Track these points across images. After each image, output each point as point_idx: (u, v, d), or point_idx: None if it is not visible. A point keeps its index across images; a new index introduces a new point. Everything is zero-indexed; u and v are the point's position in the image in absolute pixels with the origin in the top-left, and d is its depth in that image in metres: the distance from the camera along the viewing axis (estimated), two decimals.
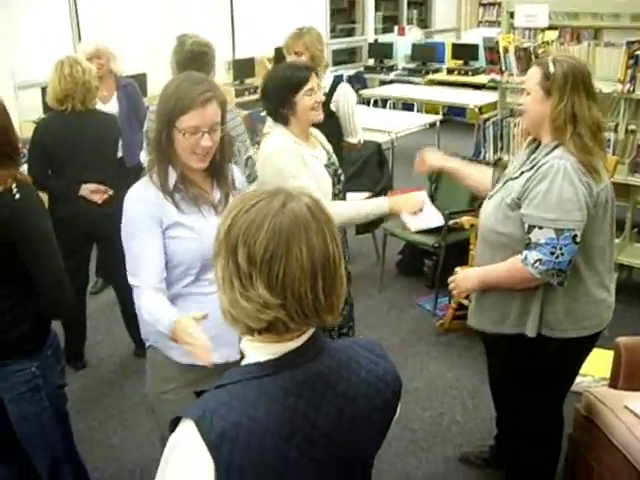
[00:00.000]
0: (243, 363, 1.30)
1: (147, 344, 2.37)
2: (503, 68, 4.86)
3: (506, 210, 2.48)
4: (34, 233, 2.23)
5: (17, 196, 2.19)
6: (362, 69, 10.49)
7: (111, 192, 3.82)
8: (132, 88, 4.73)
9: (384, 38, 10.98)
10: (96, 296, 5.06)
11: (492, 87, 5.69)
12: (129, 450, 3.54)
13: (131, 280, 2.18)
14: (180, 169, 2.17)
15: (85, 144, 3.80)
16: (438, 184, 5.17)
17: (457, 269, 2.76)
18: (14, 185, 2.20)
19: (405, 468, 3.31)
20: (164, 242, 2.16)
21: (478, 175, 2.91)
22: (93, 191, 3.80)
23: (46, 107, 4.51)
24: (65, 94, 3.76)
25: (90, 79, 3.82)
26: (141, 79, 6.57)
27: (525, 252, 2.42)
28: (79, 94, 3.77)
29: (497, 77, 5.03)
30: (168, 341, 2.08)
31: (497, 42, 4.92)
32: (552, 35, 5.05)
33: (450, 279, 2.72)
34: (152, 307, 2.10)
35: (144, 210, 2.15)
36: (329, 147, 3.13)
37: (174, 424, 1.23)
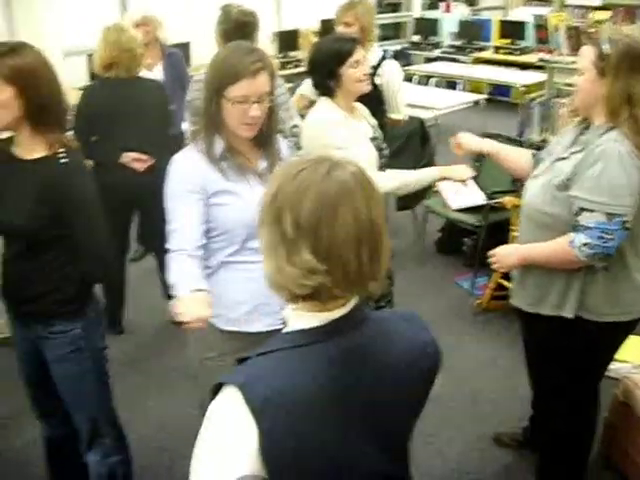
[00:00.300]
0: (285, 330, 1.31)
1: None
2: (552, 47, 4.77)
3: (554, 191, 2.44)
4: (79, 197, 2.25)
5: (63, 160, 2.22)
6: (407, 45, 10.37)
7: (152, 161, 3.85)
8: (177, 57, 4.75)
9: (430, 14, 10.82)
10: (137, 263, 5.12)
11: (539, 66, 5.62)
12: (165, 415, 3.60)
13: (167, 244, 2.22)
14: (227, 138, 2.19)
15: (129, 112, 3.83)
16: (481, 163, 5.11)
17: (493, 250, 2.74)
18: (61, 150, 2.23)
19: (437, 445, 3.32)
20: (209, 209, 2.19)
21: (515, 157, 2.87)
22: (134, 159, 3.83)
23: (92, 74, 4.56)
24: (110, 61, 3.79)
25: (135, 47, 3.83)
26: (184, 48, 6.58)
27: (572, 234, 2.38)
28: (124, 61, 3.79)
29: (546, 56, 4.96)
30: (213, 306, 2.11)
31: (547, 20, 4.83)
32: (604, 14, 4.94)
33: (491, 252, 2.70)
34: (177, 270, 2.13)
35: (188, 177, 2.18)
36: (373, 121, 3.12)
37: (216, 390, 1.24)
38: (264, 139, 2.27)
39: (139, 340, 4.30)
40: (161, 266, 4.29)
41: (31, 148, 2.23)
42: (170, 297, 4.32)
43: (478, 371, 3.91)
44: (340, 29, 3.95)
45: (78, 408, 2.55)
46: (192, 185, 2.17)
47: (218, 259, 2.25)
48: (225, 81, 2.10)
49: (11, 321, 2.56)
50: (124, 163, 3.82)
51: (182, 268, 2.12)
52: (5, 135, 2.31)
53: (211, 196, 2.19)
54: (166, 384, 3.86)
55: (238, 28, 3.41)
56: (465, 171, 2.94)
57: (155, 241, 4.35)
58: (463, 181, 2.94)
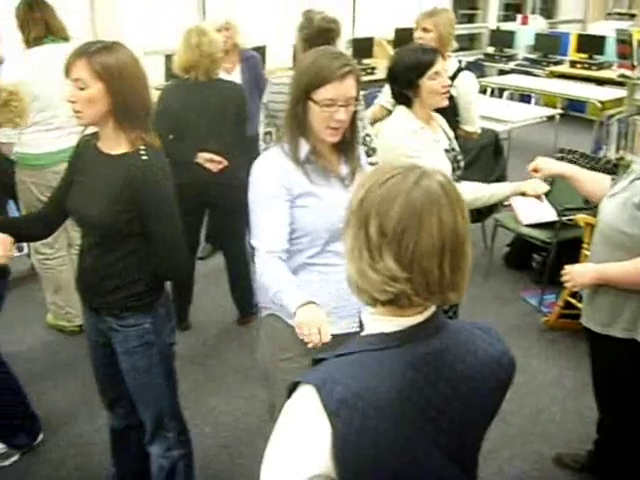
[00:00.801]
0: (364, 334, 1.33)
1: (265, 312, 2.43)
2: (635, 63, 4.67)
3: (633, 210, 2.38)
4: (158, 194, 2.29)
5: (144, 157, 2.27)
6: (481, 57, 10.28)
7: (226, 163, 3.90)
8: (255, 60, 4.82)
9: (506, 26, 10.70)
10: (204, 261, 5.19)
11: (619, 82, 5.49)
12: (227, 413, 3.64)
13: (254, 243, 2.24)
14: (312, 141, 2.22)
15: (206, 112, 3.89)
16: (554, 180, 5.02)
17: (568, 267, 2.68)
18: (142, 147, 2.28)
19: (498, 462, 3.28)
20: (293, 211, 2.21)
21: (595, 182, 2.79)
22: (208, 160, 3.88)
23: (169, 74, 4.64)
24: (190, 64, 3.86)
25: (216, 51, 3.90)
26: (261, 52, 6.66)
27: None
28: (203, 65, 3.86)
29: (628, 72, 4.84)
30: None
31: (631, 35, 4.73)
32: None
33: (565, 271, 2.65)
34: (273, 276, 2.15)
35: (274, 178, 2.21)
36: (451, 133, 3.11)
37: (292, 389, 1.26)
38: (346, 145, 2.29)
39: (203, 338, 4.36)
40: (230, 266, 4.36)
41: (114, 144, 2.29)
42: (237, 297, 4.40)
43: (542, 390, 3.84)
44: (418, 34, 3.98)
45: (143, 401, 2.59)
46: (279, 187, 2.20)
47: (298, 261, 2.27)
48: (313, 83, 2.13)
49: (84, 311, 2.63)
50: (199, 163, 3.88)
51: (279, 274, 2.15)
52: (90, 130, 2.38)
53: (296, 198, 2.21)
54: (227, 383, 3.90)
55: (320, 34, 3.43)
56: (539, 186, 2.90)
57: (225, 241, 4.43)
58: (537, 197, 2.90)
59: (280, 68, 6.62)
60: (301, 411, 1.22)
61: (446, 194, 1.23)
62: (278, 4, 7.41)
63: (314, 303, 2.02)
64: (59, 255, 4.26)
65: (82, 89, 2.19)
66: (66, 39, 3.97)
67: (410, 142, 2.84)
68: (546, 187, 2.90)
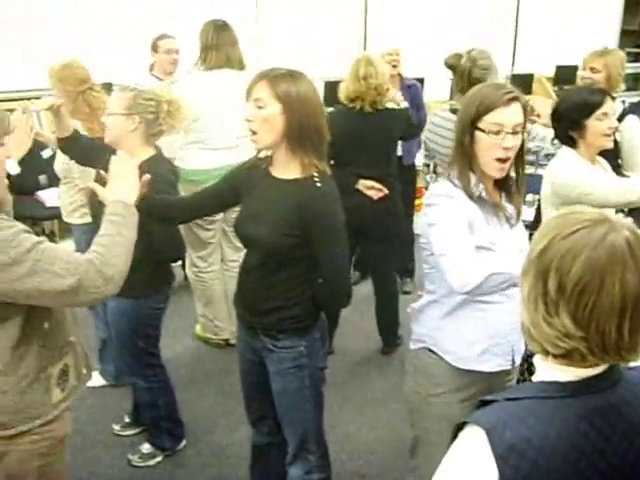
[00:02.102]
0: (536, 379, 1.29)
1: (417, 345, 2.40)
2: None
3: None
4: (329, 222, 2.31)
5: (318, 184, 2.29)
6: None
7: (386, 191, 3.90)
8: (416, 89, 4.82)
9: None
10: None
11: None
12: (364, 442, 3.61)
13: (451, 282, 2.11)
14: (479, 176, 2.17)
15: (369, 141, 3.93)
16: None
17: None
18: (315, 174, 2.30)
19: None
20: None
21: None
22: (369, 187, 3.90)
23: (327, 101, 4.70)
24: (356, 95, 3.91)
25: (382, 83, 3.93)
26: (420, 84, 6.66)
27: None
28: (370, 96, 3.91)
29: None
30: (446, 343, 2.07)
31: None
32: None
33: None
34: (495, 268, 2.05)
35: (459, 212, 2.15)
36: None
37: (458, 429, 1.25)
38: (509, 181, 2.24)
39: (345, 363, 4.36)
40: (379, 295, 4.35)
41: (286, 168, 2.34)
42: (382, 326, 4.38)
43: None
44: (585, 73, 3.91)
45: (290, 422, 2.61)
46: (463, 220, 2.14)
47: (459, 298, 2.22)
48: (479, 111, 2.11)
49: (238, 328, 2.68)
50: (359, 189, 3.89)
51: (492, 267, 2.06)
52: (263, 154, 2.44)
53: (471, 233, 2.16)
54: (366, 411, 3.88)
55: (477, 69, 3.40)
56: None
57: (377, 269, 4.42)
58: None
59: (437, 101, 6.59)
60: (468, 453, 1.21)
61: (632, 253, 1.17)
62: (437, 38, 7.40)
63: None
64: (212, 270, 4.39)
65: (261, 108, 2.25)
66: (241, 68, 4.12)
67: (582, 178, 2.76)
68: None
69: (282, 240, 2.30)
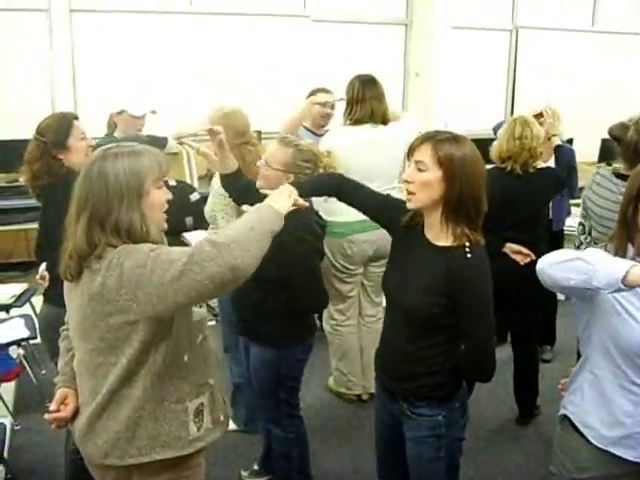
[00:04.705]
0: None
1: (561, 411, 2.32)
2: None
3: None
4: (478, 293, 2.25)
5: (469, 255, 2.24)
6: None
7: (533, 256, 3.77)
8: (570, 152, 4.64)
9: None
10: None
11: None
12: None
13: None
14: (637, 249, 2.10)
15: (519, 204, 3.84)
16: None
17: None
18: (467, 243, 2.25)
19: None
20: None
21: None
22: (516, 251, 3.78)
23: None
24: (509, 154, 3.85)
25: (537, 145, 3.86)
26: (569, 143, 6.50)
27: None
28: (522, 158, 3.84)
29: None
30: (589, 417, 1.96)
31: None
32: None
33: None
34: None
35: None
36: None
37: None
38: None
39: (478, 431, 4.18)
40: (517, 359, 4.21)
41: (438, 234, 2.30)
42: (518, 395, 4.22)
43: None
44: None
45: None
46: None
47: (614, 376, 2.14)
48: None
49: (377, 388, 2.65)
50: (506, 253, 3.79)
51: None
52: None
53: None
54: None
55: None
56: None
57: (515, 334, 4.27)
58: None
59: (586, 162, 6.40)
60: None
61: None
62: (585, 96, 7.22)
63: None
64: (350, 323, 4.38)
65: (421, 171, 2.23)
66: (385, 122, 4.13)
67: None
68: None
69: (427, 307, 2.27)
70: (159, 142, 5.01)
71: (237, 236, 1.92)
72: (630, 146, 3.25)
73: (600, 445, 2.16)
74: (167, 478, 2.14)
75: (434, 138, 2.24)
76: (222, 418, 2.28)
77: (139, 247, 1.94)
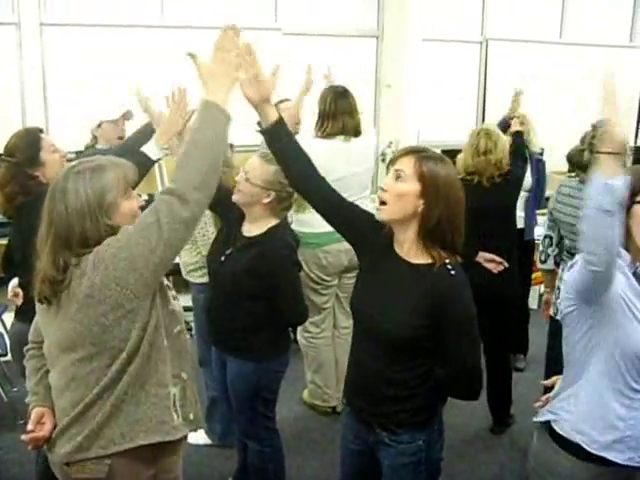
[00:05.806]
0: None
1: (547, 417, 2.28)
2: None
3: None
4: (462, 312, 2.20)
5: (452, 272, 2.19)
6: None
7: (506, 265, 3.80)
8: (542, 165, 4.72)
9: None
10: None
11: None
12: None
13: None
14: (632, 254, 2.10)
15: (488, 213, 3.86)
16: None
17: None
18: (447, 261, 2.20)
19: None
20: None
21: None
22: (489, 260, 3.80)
23: None
24: (474, 169, 3.91)
25: (503, 156, 3.87)
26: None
27: None
28: (488, 172, 3.88)
29: None
30: (583, 422, 2.02)
31: None
32: None
33: None
34: None
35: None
36: None
37: None
38: None
39: (453, 443, 4.17)
40: (490, 370, 4.21)
41: (412, 251, 2.24)
42: (492, 403, 4.22)
43: None
44: None
45: None
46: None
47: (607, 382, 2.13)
48: (637, 188, 2.05)
49: (347, 414, 2.54)
50: (478, 262, 3.81)
51: None
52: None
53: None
54: None
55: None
56: None
57: (487, 344, 4.28)
58: None
59: (556, 172, 6.46)
60: None
61: None
62: (562, 112, 7.28)
63: None
64: (324, 335, 4.38)
65: (399, 179, 2.17)
66: (357, 135, 4.13)
67: None
68: None
69: (411, 331, 2.19)
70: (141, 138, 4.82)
71: (188, 169, 1.97)
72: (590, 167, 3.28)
73: (592, 450, 2.13)
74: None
75: (419, 153, 2.19)
76: (192, 417, 2.24)
77: (113, 238, 1.98)
